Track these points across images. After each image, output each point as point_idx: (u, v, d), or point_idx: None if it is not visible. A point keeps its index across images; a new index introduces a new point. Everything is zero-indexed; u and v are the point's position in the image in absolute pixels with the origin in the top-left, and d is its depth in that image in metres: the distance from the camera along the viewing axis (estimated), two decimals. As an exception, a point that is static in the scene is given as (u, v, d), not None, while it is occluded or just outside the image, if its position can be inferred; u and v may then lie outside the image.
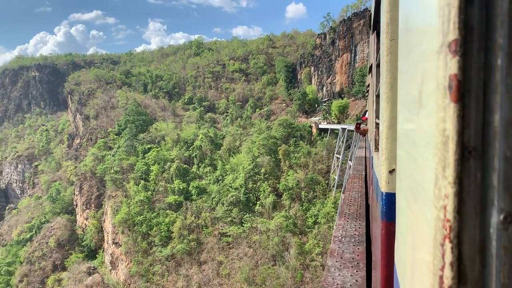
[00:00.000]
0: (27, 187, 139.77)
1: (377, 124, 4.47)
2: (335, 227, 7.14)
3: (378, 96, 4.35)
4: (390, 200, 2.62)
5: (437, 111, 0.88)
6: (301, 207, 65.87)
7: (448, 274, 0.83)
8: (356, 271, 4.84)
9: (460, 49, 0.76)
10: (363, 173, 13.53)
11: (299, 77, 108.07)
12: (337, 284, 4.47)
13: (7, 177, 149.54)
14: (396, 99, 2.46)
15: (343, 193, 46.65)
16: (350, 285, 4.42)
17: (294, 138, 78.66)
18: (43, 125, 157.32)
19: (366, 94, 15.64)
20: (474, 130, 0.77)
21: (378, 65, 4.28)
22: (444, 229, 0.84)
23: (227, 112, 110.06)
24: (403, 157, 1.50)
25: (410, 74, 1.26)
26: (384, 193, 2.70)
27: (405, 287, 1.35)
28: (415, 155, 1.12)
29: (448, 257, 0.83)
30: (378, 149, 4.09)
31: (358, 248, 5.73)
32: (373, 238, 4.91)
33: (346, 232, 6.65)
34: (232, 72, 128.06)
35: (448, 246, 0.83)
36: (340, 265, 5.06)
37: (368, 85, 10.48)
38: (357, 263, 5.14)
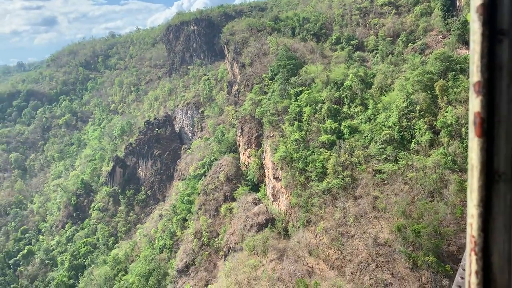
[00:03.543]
0: (196, 130, 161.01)
1: None
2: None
3: None
4: None
5: (469, 139, 1.03)
6: (461, 144, 63.23)
7: (473, 280, 0.96)
8: None
9: (483, 90, 0.88)
10: None
11: (458, 4, 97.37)
12: None
13: (180, 122, 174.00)
14: None
15: None
16: None
17: (453, 72, 73.43)
18: (205, 75, 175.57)
19: None
20: (504, 157, 0.88)
21: None
22: (470, 243, 1.00)
23: (377, 50, 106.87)
24: None
25: None
26: None
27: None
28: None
29: (474, 267, 0.95)
30: None
31: None
32: None
33: None
34: (381, 6, 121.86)
35: (473, 257, 0.95)
36: None
37: None
38: None
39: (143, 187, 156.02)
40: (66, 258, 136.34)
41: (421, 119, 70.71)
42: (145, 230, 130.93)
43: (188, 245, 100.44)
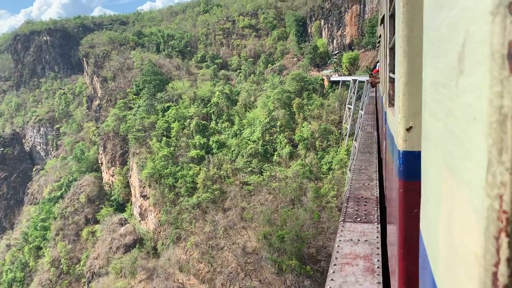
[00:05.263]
0: (51, 149, 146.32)
1: (391, 79, 4.27)
2: (363, 115, 16.55)
3: (392, 49, 4.13)
4: (407, 158, 2.54)
5: (492, 84, 0.73)
6: (316, 156, 70.43)
7: (503, 271, 0.69)
8: (373, 120, 11.24)
9: None
10: (374, 102, 18.47)
11: (309, 30, 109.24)
12: (366, 124, 10.70)
13: (31, 140, 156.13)
14: (414, 53, 2.41)
15: (355, 140, 50.76)
16: (370, 124, 10.70)
17: (307, 91, 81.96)
18: (61, 89, 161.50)
19: (377, 45, 16.06)
20: None
21: (391, 16, 4.12)
22: (499, 221, 0.72)
23: (240, 69, 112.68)
24: (432, 124, 1.29)
25: (442, 34, 1.05)
26: (401, 152, 2.60)
27: (438, 270, 1.17)
28: (452, 127, 0.97)
29: (505, 253, 0.70)
30: (392, 105, 4.01)
31: (372, 116, 12.08)
32: (387, 196, 5.16)
33: (369, 115, 13.25)
34: (242, 28, 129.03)
35: (504, 240, 0.70)
36: (367, 118, 11.71)
37: (380, 36, 10.40)
38: (374, 121, 10.97)
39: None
40: None
41: (282, 134, 76.85)
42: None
43: (44, 275, 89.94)
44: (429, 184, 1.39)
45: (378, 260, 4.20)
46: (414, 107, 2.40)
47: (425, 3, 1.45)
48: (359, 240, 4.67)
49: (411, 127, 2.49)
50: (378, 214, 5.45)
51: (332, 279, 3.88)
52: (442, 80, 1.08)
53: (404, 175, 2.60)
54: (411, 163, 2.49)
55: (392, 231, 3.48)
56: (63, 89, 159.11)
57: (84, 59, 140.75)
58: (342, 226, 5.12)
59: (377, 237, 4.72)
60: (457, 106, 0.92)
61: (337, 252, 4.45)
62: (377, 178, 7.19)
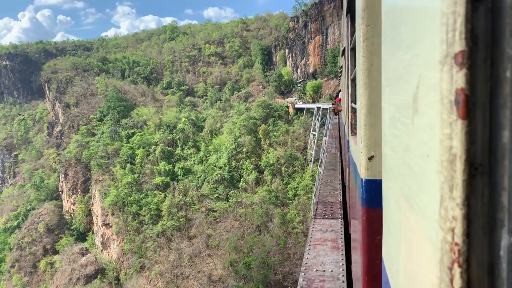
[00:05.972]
0: (8, 176, 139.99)
1: (353, 109, 4.42)
2: (327, 140, 17.51)
3: (353, 80, 4.25)
4: (370, 186, 2.62)
5: (442, 126, 0.78)
6: (281, 181, 71.16)
7: None
8: (337, 143, 12.52)
9: (467, 61, 0.68)
10: (337, 128, 20.08)
11: (274, 59, 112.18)
12: (331, 146, 12.03)
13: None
14: (374, 85, 2.53)
15: (320, 166, 51.91)
16: (334, 147, 11.91)
17: (273, 118, 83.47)
18: (20, 115, 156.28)
19: (339, 75, 16.69)
20: (481, 146, 0.70)
21: (352, 49, 4.25)
22: (452, 253, 0.75)
23: (206, 96, 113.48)
24: (392, 156, 1.35)
25: (399, 74, 1.13)
26: (364, 180, 2.68)
27: None
28: (409, 162, 1.02)
29: (458, 283, 0.73)
30: (355, 134, 4.16)
31: (336, 140, 13.01)
32: (351, 222, 5.29)
33: (333, 139, 14.28)
34: (209, 56, 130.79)
35: (457, 271, 0.73)
36: (331, 142, 12.82)
37: (341, 67, 10.76)
38: (337, 145, 12.06)
39: None
40: None
41: (248, 160, 77.37)
42: None
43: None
44: (390, 214, 1.44)
45: (342, 242, 5.68)
46: (375, 137, 2.54)
47: (382, 42, 1.49)
48: (327, 229, 6.21)
49: (372, 156, 2.59)
50: (342, 213, 7.13)
51: (308, 253, 5.19)
52: (399, 117, 1.13)
53: (367, 202, 2.68)
54: (373, 191, 2.58)
55: (356, 257, 3.56)
56: (23, 115, 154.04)
57: (46, 85, 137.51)
58: (314, 221, 6.58)
59: (341, 228, 6.33)
60: (413, 142, 0.97)
61: (311, 237, 5.83)
62: (341, 188, 9.08)
